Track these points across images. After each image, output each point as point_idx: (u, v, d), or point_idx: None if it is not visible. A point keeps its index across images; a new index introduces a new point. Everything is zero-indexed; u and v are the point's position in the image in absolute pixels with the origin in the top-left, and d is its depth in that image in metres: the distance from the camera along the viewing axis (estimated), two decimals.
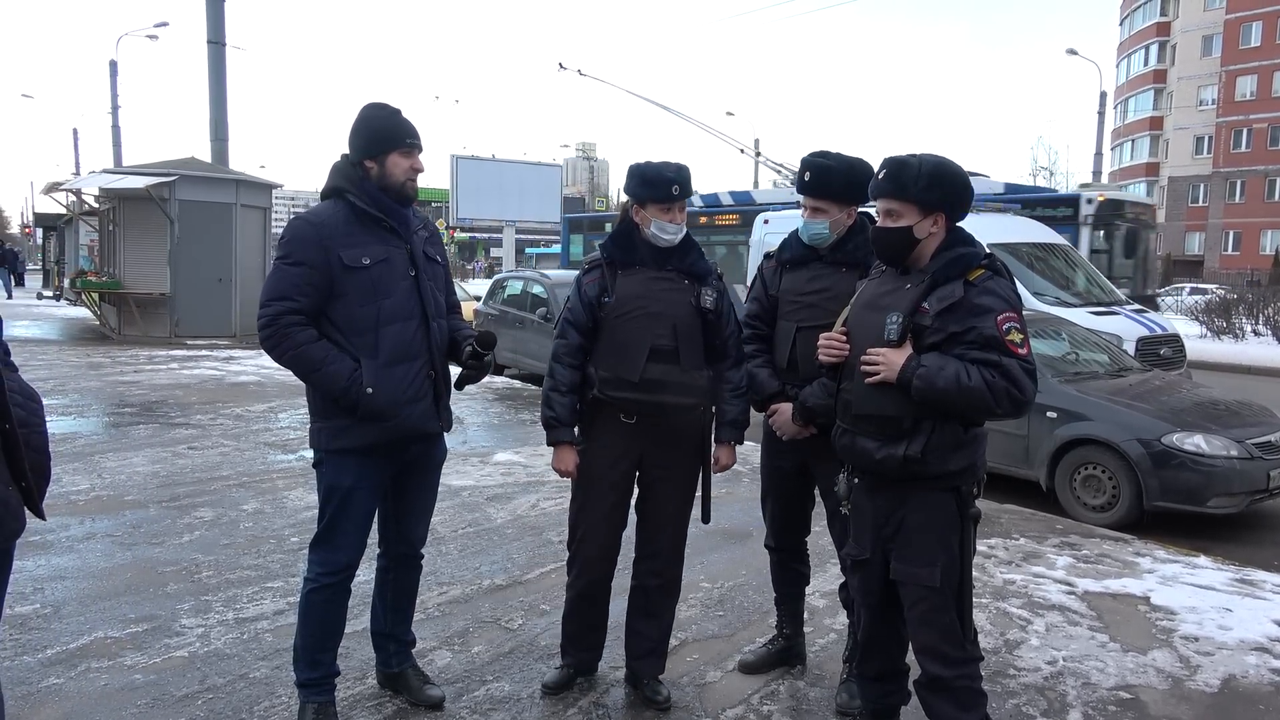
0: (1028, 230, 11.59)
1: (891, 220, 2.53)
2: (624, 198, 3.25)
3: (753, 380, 3.26)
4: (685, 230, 3.14)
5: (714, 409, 3.22)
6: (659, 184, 3.05)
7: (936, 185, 2.48)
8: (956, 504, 2.49)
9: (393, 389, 2.81)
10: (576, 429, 3.15)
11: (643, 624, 3.26)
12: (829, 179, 3.11)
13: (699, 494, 3.27)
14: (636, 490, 3.22)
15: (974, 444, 2.52)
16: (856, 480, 2.67)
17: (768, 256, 3.41)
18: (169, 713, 3.07)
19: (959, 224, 2.60)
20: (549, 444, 3.16)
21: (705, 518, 3.28)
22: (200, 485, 5.97)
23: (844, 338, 2.66)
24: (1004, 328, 2.41)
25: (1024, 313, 2.55)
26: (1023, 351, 2.42)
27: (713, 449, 3.25)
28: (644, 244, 3.12)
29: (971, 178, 2.66)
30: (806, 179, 3.14)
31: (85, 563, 4.44)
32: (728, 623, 4.00)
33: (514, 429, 8.33)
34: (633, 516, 3.26)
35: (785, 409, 3.15)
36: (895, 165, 2.52)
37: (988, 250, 2.60)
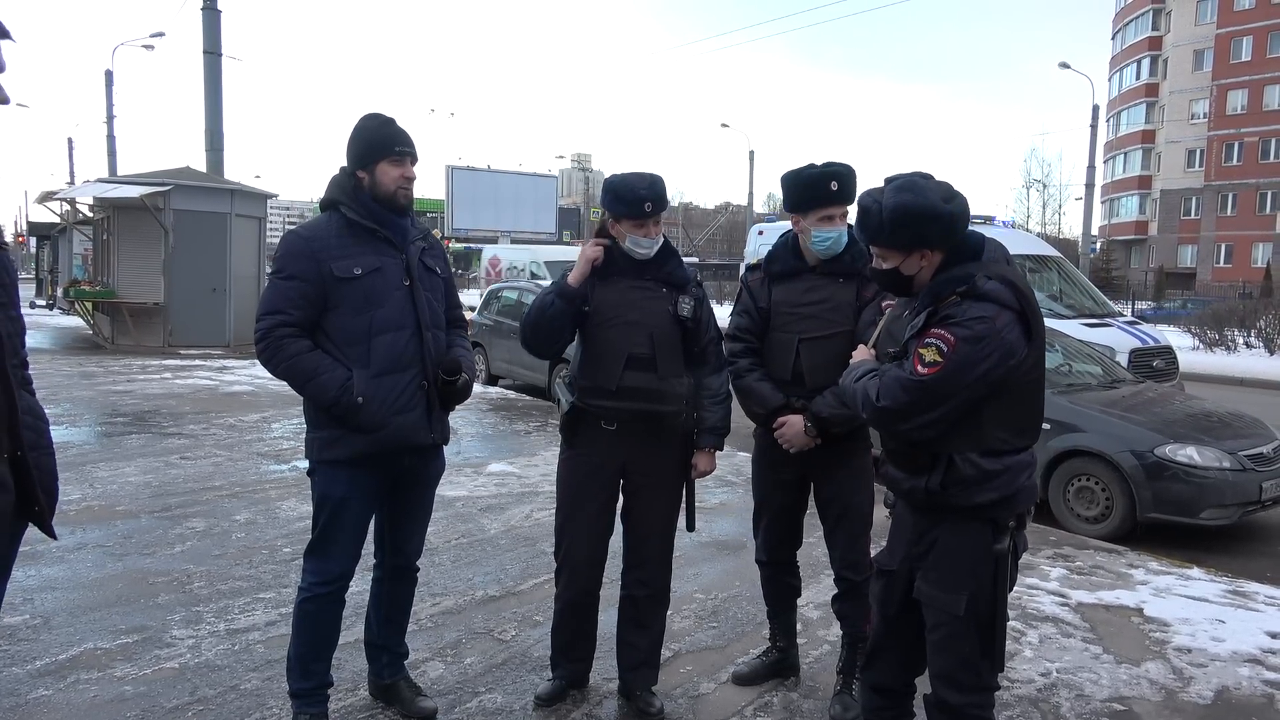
0: (1020, 242, 11.65)
1: (881, 262, 2.47)
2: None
3: (753, 393, 3.24)
4: (662, 241, 3.16)
5: (696, 415, 3.23)
6: (632, 202, 3.06)
7: (900, 230, 2.35)
8: (992, 535, 2.38)
9: (383, 399, 2.81)
10: (548, 430, 3.20)
11: (633, 635, 3.25)
12: (850, 185, 3.15)
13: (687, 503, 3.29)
14: (622, 499, 3.23)
15: (1007, 475, 2.36)
16: None
17: (751, 268, 3.41)
18: None
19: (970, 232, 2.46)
20: (567, 295, 3.04)
21: (690, 525, 3.30)
22: (192, 495, 5.95)
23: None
24: (924, 341, 2.31)
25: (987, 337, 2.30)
26: (921, 370, 2.28)
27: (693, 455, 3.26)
28: (621, 255, 3.14)
29: (986, 224, 2.57)
30: (835, 189, 3.11)
31: (76, 573, 4.42)
32: (721, 634, 4.00)
33: (508, 439, 8.31)
34: (620, 527, 3.26)
35: (795, 421, 3.13)
36: (860, 213, 2.44)
37: (1005, 260, 2.46)
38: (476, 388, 12.31)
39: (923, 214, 2.33)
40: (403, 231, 2.95)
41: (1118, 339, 9.60)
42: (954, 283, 2.33)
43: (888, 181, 2.43)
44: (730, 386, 3.29)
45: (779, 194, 3.40)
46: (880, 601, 2.67)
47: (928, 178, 2.41)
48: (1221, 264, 49.18)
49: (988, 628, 2.40)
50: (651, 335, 3.07)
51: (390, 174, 2.88)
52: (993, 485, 2.34)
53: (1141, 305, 31.81)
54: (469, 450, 7.75)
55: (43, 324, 20.49)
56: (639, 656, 3.25)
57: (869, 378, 2.44)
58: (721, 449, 3.30)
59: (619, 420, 3.09)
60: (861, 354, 2.62)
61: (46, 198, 17.81)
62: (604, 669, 3.43)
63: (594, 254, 3.08)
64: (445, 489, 6.05)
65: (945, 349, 2.25)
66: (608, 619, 3.36)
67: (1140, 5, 56.45)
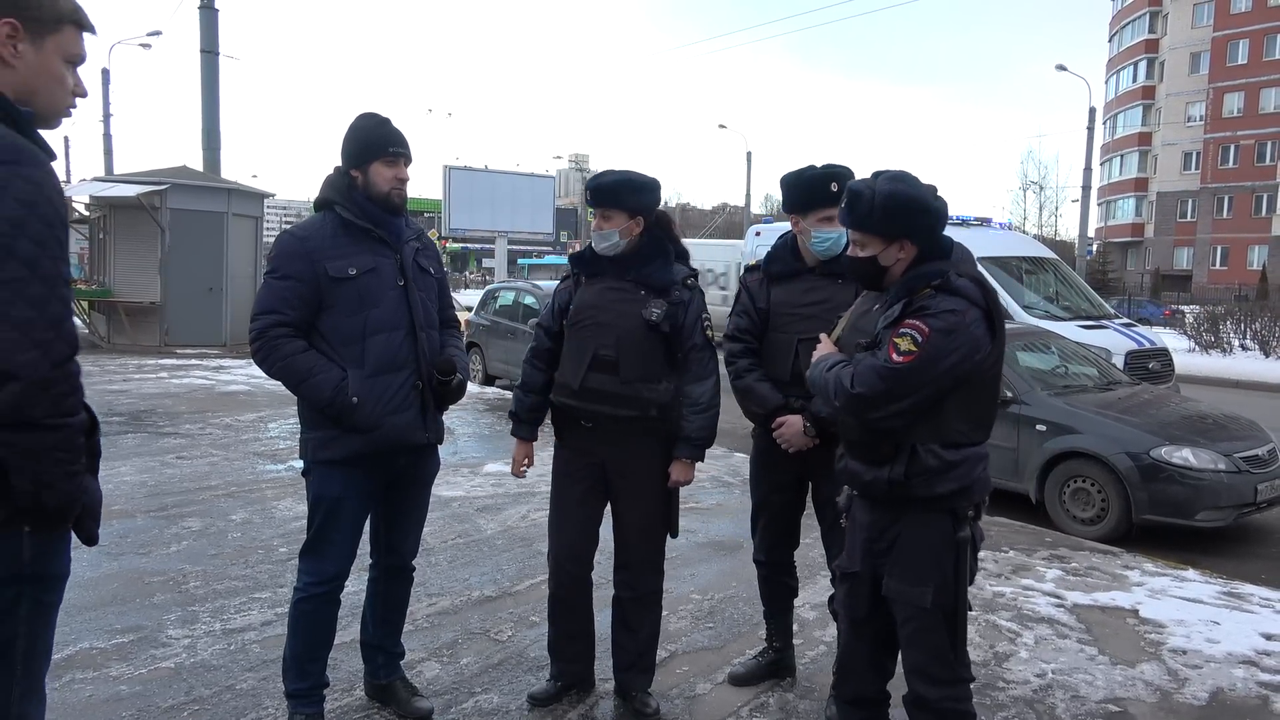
0: (1018, 244, 11.69)
1: (859, 249, 2.51)
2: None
3: (753, 393, 3.25)
4: (639, 240, 3.11)
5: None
6: (586, 189, 3.14)
7: (892, 216, 2.41)
8: (952, 525, 2.44)
9: (378, 399, 2.81)
10: (546, 429, 3.26)
11: (621, 636, 3.26)
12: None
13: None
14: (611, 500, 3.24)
15: (965, 466, 2.43)
16: (855, 493, 2.66)
17: (750, 269, 3.43)
18: None
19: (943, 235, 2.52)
20: (511, 434, 3.37)
21: (671, 531, 3.25)
22: (188, 495, 5.94)
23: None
24: (900, 331, 2.36)
25: (960, 326, 2.34)
26: (897, 358, 2.32)
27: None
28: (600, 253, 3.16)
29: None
30: (835, 190, 3.10)
31: (71, 572, 4.39)
32: (718, 635, 4.00)
33: (505, 439, 8.31)
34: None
35: (794, 421, 3.13)
36: (851, 197, 2.48)
37: (974, 259, 2.54)
38: (473, 387, 12.16)
39: (915, 204, 2.42)
40: (397, 231, 2.95)
41: (1114, 341, 9.62)
42: (929, 276, 2.41)
43: (876, 175, 2.49)
44: (716, 397, 3.18)
45: (776, 195, 3.40)
46: (847, 606, 2.67)
47: (914, 176, 2.50)
48: (1217, 266, 49.30)
49: (951, 619, 2.44)
50: (618, 338, 3.05)
51: (384, 175, 2.88)
52: (953, 475, 2.41)
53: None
54: (466, 450, 7.75)
55: None
56: (628, 658, 3.25)
57: (841, 366, 2.48)
58: (701, 460, 3.17)
59: (593, 420, 3.10)
60: (825, 347, 2.66)
61: None
62: (601, 669, 3.43)
63: (517, 472, 3.40)
64: (442, 489, 6.05)
65: (920, 339, 2.32)
66: (605, 619, 3.36)
67: (1137, 8, 56.58)
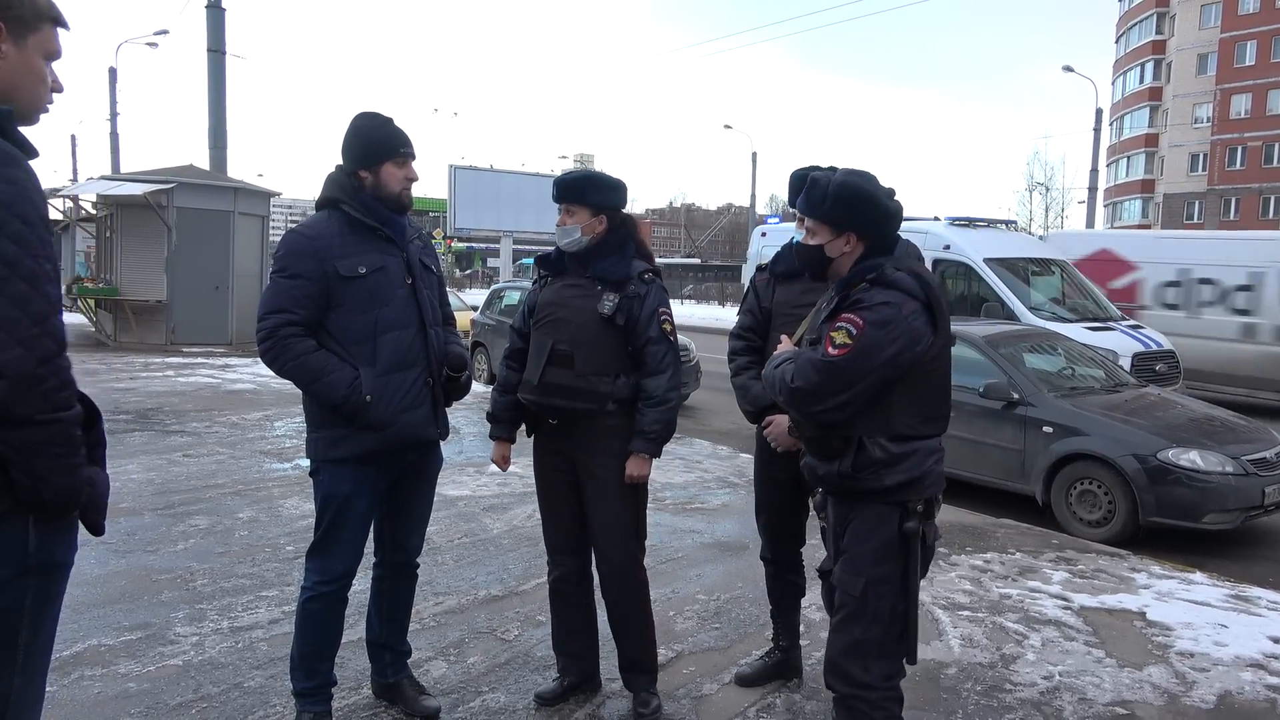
0: (1024, 245, 11.66)
1: (810, 237, 2.56)
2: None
3: (746, 392, 3.28)
4: (601, 237, 3.12)
5: None
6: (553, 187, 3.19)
7: (840, 205, 2.46)
8: (900, 518, 2.45)
9: (391, 397, 2.82)
10: (521, 427, 3.30)
11: (613, 634, 3.28)
12: None
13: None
14: None
15: (914, 459, 2.43)
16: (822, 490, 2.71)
17: (759, 269, 3.47)
18: None
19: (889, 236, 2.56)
20: (490, 437, 3.37)
21: (637, 535, 3.21)
22: (195, 493, 5.95)
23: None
24: (835, 325, 2.39)
25: (906, 321, 2.36)
26: (833, 351, 2.34)
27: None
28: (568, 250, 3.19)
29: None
30: None
31: (79, 570, 4.37)
32: (724, 635, 4.00)
33: None
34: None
35: (781, 420, 3.13)
36: (810, 183, 2.54)
37: (930, 258, 2.61)
38: (479, 386, 12.14)
39: (866, 197, 2.47)
40: (402, 230, 2.96)
41: (1121, 343, 9.60)
42: (864, 271, 2.45)
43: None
44: (673, 392, 3.14)
45: (782, 196, 3.43)
46: (829, 605, 2.69)
47: (874, 175, 2.57)
48: None
49: (900, 616, 2.44)
50: (573, 332, 3.07)
51: (395, 175, 2.90)
52: (900, 468, 2.42)
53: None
54: (471, 449, 7.76)
55: None
56: (621, 659, 3.28)
57: (787, 362, 2.51)
58: (657, 455, 3.13)
59: (556, 416, 3.13)
60: (785, 346, 2.69)
61: (50, 195, 17.84)
62: (608, 669, 3.43)
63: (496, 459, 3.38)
64: (448, 488, 6.06)
65: (854, 332, 2.34)
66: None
67: (1144, 9, 56.43)
